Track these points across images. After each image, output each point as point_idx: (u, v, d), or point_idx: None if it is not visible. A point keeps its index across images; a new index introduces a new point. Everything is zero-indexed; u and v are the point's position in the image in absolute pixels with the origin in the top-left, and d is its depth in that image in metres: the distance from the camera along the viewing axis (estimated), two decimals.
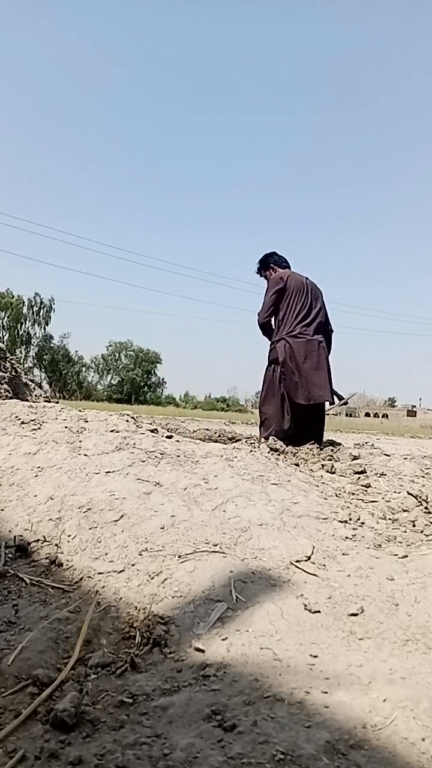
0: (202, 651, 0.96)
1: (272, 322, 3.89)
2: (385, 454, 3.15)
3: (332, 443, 3.70)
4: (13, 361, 4.18)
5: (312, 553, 1.36)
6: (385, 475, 2.31)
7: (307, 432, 3.65)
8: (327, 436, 4.06)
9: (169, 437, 2.39)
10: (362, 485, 2.11)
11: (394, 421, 39.25)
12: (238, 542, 1.40)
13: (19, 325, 42.66)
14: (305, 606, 1.10)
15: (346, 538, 1.48)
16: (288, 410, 3.65)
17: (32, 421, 2.33)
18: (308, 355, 3.62)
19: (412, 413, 52.23)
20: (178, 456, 1.99)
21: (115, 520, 1.48)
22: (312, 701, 0.80)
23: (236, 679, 0.86)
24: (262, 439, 3.57)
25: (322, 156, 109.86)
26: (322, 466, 2.52)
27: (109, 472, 1.78)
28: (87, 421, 2.35)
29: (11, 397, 3.50)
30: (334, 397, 3.77)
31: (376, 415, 50.20)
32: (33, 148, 77.70)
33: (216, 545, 1.35)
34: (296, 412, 3.66)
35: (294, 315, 3.71)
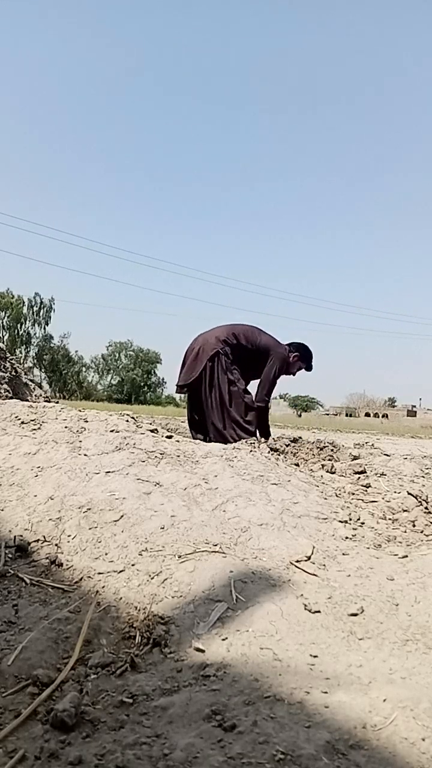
0: (202, 651, 0.96)
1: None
2: (385, 454, 3.16)
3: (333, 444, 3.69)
4: (13, 361, 4.19)
5: (312, 553, 1.36)
6: (385, 475, 2.31)
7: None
8: (328, 436, 4.05)
9: (169, 437, 2.39)
10: (362, 485, 2.11)
11: (394, 421, 39.23)
12: (238, 542, 1.40)
13: (19, 325, 42.67)
14: (305, 606, 1.10)
15: (346, 538, 1.48)
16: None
17: (32, 421, 2.33)
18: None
19: (412, 413, 52.23)
20: (178, 456, 1.99)
21: (115, 520, 1.48)
22: (312, 701, 0.80)
23: (236, 679, 0.86)
24: (263, 439, 3.58)
25: (323, 153, 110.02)
26: (322, 466, 2.52)
27: (109, 472, 1.78)
28: (87, 421, 2.35)
29: (11, 397, 3.50)
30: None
31: (376, 415, 50.20)
32: (33, 148, 77.76)
33: (216, 545, 1.35)
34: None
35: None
